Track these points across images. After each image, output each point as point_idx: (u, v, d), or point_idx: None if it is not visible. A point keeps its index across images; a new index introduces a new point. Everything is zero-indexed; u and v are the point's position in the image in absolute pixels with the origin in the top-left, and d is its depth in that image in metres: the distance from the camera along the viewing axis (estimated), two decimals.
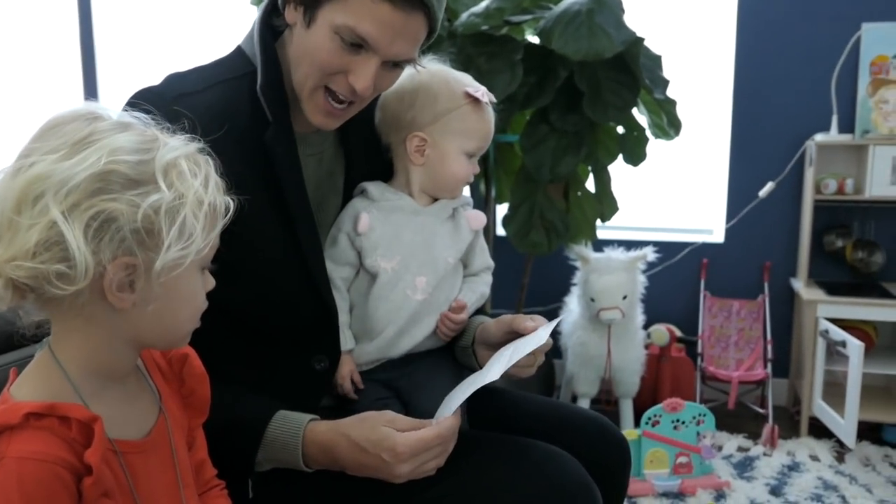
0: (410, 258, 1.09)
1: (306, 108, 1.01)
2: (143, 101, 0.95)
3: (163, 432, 0.78)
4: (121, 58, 3.39)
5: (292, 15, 0.98)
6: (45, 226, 0.64)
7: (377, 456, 0.91)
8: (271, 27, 1.04)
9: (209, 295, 0.78)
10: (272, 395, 1.01)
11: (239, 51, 1.07)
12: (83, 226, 0.64)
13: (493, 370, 0.95)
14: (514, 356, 0.96)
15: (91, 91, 3.37)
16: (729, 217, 2.76)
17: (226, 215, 0.74)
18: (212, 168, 0.74)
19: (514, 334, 1.04)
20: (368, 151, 1.15)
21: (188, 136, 0.76)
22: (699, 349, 2.62)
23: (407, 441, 0.90)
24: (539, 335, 0.98)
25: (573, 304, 2.55)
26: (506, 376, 1.01)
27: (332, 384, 1.08)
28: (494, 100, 1.14)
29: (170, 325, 0.73)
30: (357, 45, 0.95)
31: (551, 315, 2.72)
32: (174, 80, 1.02)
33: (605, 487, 1.03)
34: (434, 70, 1.13)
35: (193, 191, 0.69)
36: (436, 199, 1.14)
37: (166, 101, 0.95)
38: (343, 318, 1.08)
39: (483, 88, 1.12)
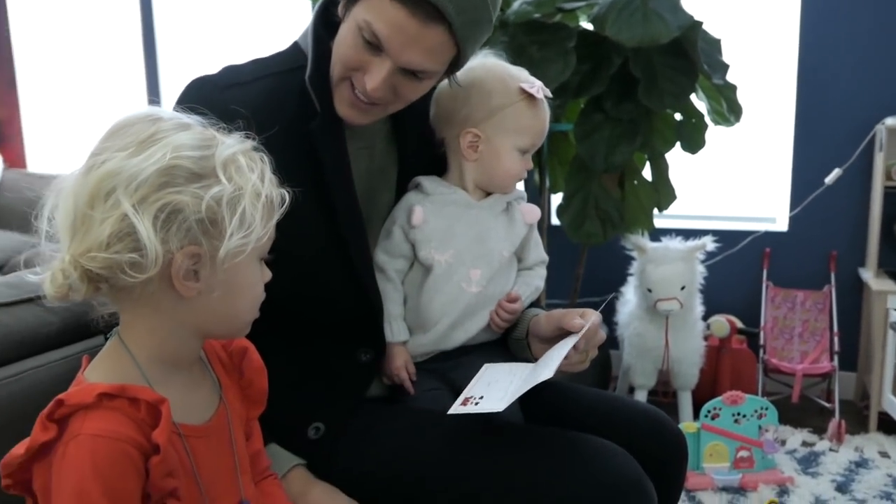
0: (465, 251, 1.09)
1: (335, 99, 1.02)
2: (197, 88, 0.99)
3: (222, 420, 0.81)
4: (181, 53, 3.48)
5: (340, 9, 0.99)
6: (117, 218, 0.68)
7: None
8: (327, 22, 1.05)
9: None
10: (318, 387, 1.03)
11: (295, 45, 1.08)
12: (152, 217, 0.69)
13: (547, 367, 0.94)
14: (564, 352, 0.95)
15: (153, 85, 3.47)
16: (793, 205, 2.67)
17: (281, 206, 0.78)
18: (266, 164, 0.78)
19: (564, 329, 1.02)
20: (422, 146, 1.16)
21: (243, 133, 0.79)
22: (761, 341, 2.54)
23: None
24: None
25: (629, 295, 2.51)
26: (560, 371, 1.00)
27: (381, 375, 1.09)
28: (550, 95, 1.12)
29: (231, 314, 0.77)
30: (374, 45, 0.95)
31: (608, 307, 2.68)
32: (230, 70, 1.04)
33: (660, 482, 1.01)
34: (490, 65, 1.12)
35: (251, 184, 0.73)
36: (489, 194, 1.14)
37: (218, 89, 0.98)
38: (397, 309, 1.09)
39: (539, 83, 1.11)
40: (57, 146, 3.82)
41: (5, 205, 3.46)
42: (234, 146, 0.75)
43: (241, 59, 1.08)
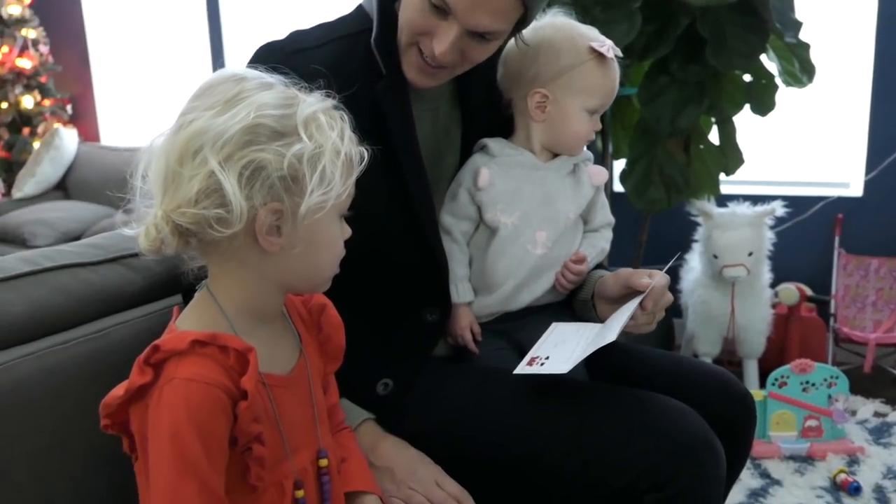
0: (531, 213, 1.09)
1: (403, 64, 1.03)
2: (265, 54, 1.01)
3: (303, 372, 0.84)
4: (245, 24, 3.53)
5: None
6: (204, 175, 0.71)
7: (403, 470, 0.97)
8: None
9: None
10: (386, 345, 1.05)
11: (359, 8, 1.09)
12: (237, 174, 0.71)
13: (612, 330, 0.94)
14: (629, 313, 0.95)
15: (217, 56, 3.54)
16: (869, 169, 2.57)
17: (360, 164, 0.80)
18: (346, 122, 0.79)
19: (631, 289, 1.02)
20: (487, 107, 1.15)
21: (324, 92, 0.81)
22: (832, 309, 2.47)
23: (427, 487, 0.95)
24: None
25: (694, 262, 2.47)
26: (625, 333, 1.00)
27: (447, 335, 1.11)
28: (620, 54, 1.11)
29: (312, 268, 0.80)
30: (441, 9, 0.95)
31: (672, 274, 2.63)
32: (296, 35, 1.06)
33: (728, 444, 1.00)
34: (559, 24, 1.11)
35: (331, 142, 0.75)
36: (556, 155, 1.13)
37: (286, 55, 1.00)
38: (462, 271, 1.10)
39: (609, 43, 1.09)
40: (128, 120, 3.95)
41: (81, 177, 3.60)
42: (314, 105, 0.76)
43: (306, 25, 1.10)
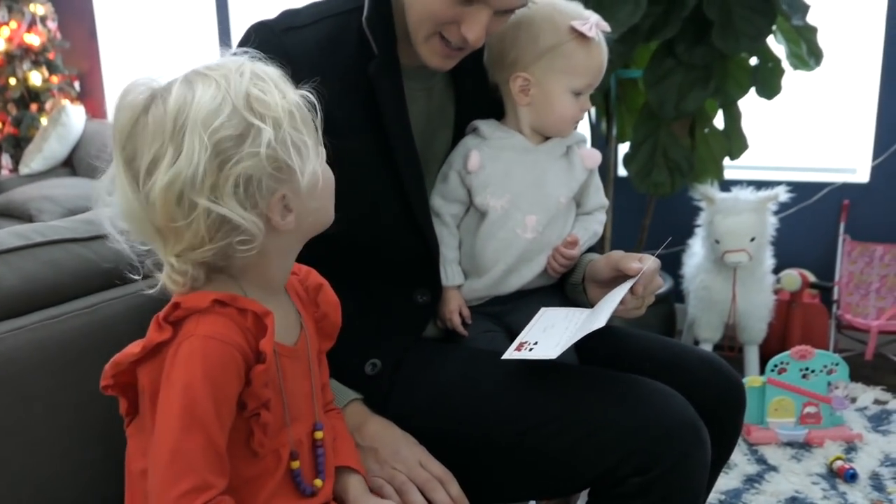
0: (521, 197, 1.08)
1: (422, 53, 1.02)
2: (255, 32, 1.01)
3: (304, 346, 0.85)
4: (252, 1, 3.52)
5: None
6: (203, 216, 0.70)
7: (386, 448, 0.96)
8: None
9: None
10: (375, 326, 1.05)
11: None
12: (233, 196, 0.71)
13: (601, 316, 0.94)
14: (619, 298, 0.94)
15: (224, 31, 3.53)
16: (876, 155, 2.54)
17: (311, 107, 0.78)
18: (270, 70, 0.76)
19: (622, 273, 1.01)
20: (480, 87, 1.15)
21: (237, 50, 0.79)
22: (835, 296, 2.46)
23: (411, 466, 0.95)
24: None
25: (696, 247, 2.46)
26: (621, 318, 0.99)
27: (438, 316, 1.11)
28: (608, 29, 1.08)
29: (323, 212, 0.82)
30: None
31: (674, 258, 2.63)
32: (288, 14, 1.06)
33: (716, 430, 1.00)
34: (542, 3, 1.08)
35: (280, 107, 0.73)
36: (548, 138, 1.12)
37: (276, 34, 1.00)
38: (451, 254, 1.10)
39: (593, 19, 1.07)
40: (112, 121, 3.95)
41: (88, 154, 3.61)
42: (240, 82, 0.73)
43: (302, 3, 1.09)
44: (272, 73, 0.77)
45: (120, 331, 0.97)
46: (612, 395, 0.95)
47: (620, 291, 0.98)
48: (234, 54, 0.78)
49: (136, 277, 0.81)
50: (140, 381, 0.75)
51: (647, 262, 1.00)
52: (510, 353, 0.96)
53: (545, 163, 1.10)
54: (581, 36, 1.05)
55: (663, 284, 1.02)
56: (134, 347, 0.74)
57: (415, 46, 1.02)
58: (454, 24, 0.97)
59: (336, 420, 0.94)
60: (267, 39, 0.99)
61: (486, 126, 1.10)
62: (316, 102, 0.79)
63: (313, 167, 0.75)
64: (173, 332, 0.72)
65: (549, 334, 0.99)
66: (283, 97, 0.75)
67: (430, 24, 0.98)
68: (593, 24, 1.06)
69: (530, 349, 0.96)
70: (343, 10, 1.05)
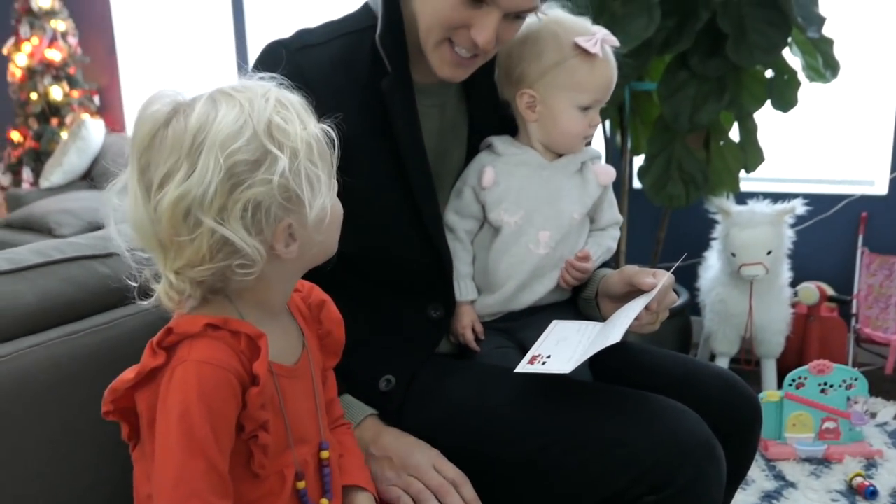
0: (534, 212, 1.08)
1: (433, 62, 1.02)
2: (271, 51, 1.02)
3: (306, 364, 0.85)
4: (268, 14, 3.55)
5: None
6: (207, 234, 0.70)
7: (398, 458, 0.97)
8: None
9: None
10: (389, 342, 1.05)
11: (365, 6, 1.10)
12: (238, 220, 0.70)
13: (616, 331, 0.94)
14: (634, 313, 0.94)
15: (241, 47, 3.56)
16: (894, 167, 2.52)
17: (331, 141, 0.78)
18: (294, 99, 0.77)
19: (635, 288, 1.01)
20: (493, 103, 1.15)
21: (265, 75, 0.78)
22: (853, 309, 2.43)
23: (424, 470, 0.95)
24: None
25: (712, 260, 2.44)
26: (635, 333, 0.99)
27: (451, 332, 1.11)
28: (616, 44, 1.08)
29: (328, 244, 0.81)
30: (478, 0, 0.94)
31: (690, 271, 2.62)
32: (302, 33, 1.07)
33: (733, 446, 1.00)
34: (547, 19, 1.08)
35: (299, 138, 0.73)
36: (562, 154, 1.12)
37: (290, 52, 1.01)
38: (465, 269, 1.10)
39: (599, 35, 1.06)
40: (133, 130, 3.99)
41: (107, 168, 3.65)
42: (264, 108, 0.73)
43: (326, 13, 1.10)
44: (296, 103, 0.77)
45: (137, 347, 0.96)
46: (626, 412, 0.94)
47: (636, 306, 0.98)
48: (262, 78, 0.78)
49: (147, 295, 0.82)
50: (138, 407, 0.75)
51: (662, 278, 0.99)
52: (523, 367, 0.96)
53: (559, 179, 1.10)
54: (585, 52, 1.05)
55: (677, 300, 1.02)
56: (129, 374, 0.74)
57: (426, 56, 1.02)
58: (464, 28, 0.98)
59: (344, 436, 0.94)
60: (282, 57, 1.00)
61: (500, 142, 1.11)
62: (335, 138, 0.79)
63: (323, 201, 0.75)
64: (167, 357, 0.72)
65: (562, 347, 0.99)
66: (303, 128, 0.75)
67: (440, 29, 0.99)
68: (599, 39, 1.05)
69: (543, 362, 0.96)
70: (357, 29, 1.06)
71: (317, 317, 0.89)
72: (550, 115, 1.08)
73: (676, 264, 1.09)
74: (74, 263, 1.02)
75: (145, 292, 0.78)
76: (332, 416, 0.93)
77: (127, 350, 1.00)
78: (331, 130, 0.78)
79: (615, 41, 1.07)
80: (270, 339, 0.76)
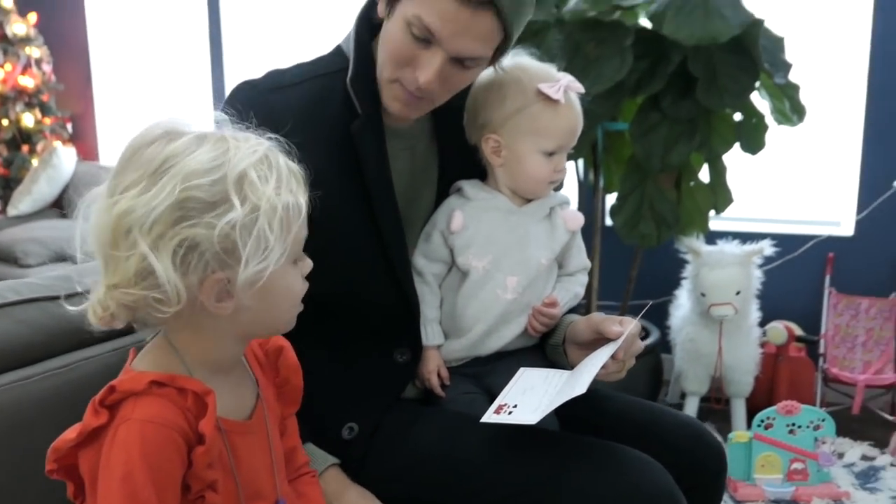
0: (502, 257, 1.08)
1: (385, 98, 1.03)
2: (240, 92, 1.02)
3: (261, 418, 0.83)
4: (245, 49, 3.56)
5: (382, 8, 1.00)
6: (138, 258, 0.69)
7: None
8: (369, 25, 1.06)
9: None
10: (354, 386, 1.04)
11: (338, 49, 1.10)
12: (170, 254, 0.69)
13: (581, 381, 0.93)
14: (600, 362, 0.94)
15: (218, 81, 3.56)
16: (860, 209, 2.57)
17: (300, 214, 0.76)
18: (283, 164, 0.76)
19: (602, 335, 1.01)
20: (463, 147, 1.16)
21: (261, 132, 0.78)
22: (821, 349, 2.46)
23: None
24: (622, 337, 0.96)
25: (683, 299, 2.46)
26: (601, 380, 0.99)
27: (418, 376, 1.10)
28: (581, 90, 1.08)
29: (271, 318, 0.78)
30: (425, 39, 0.95)
31: (660, 309, 2.63)
32: (273, 74, 1.07)
33: (697, 497, 1.00)
34: (511, 66, 1.08)
35: (266, 198, 0.72)
36: (530, 199, 1.12)
37: (261, 93, 1.01)
38: (432, 313, 1.10)
39: (564, 81, 1.06)
40: (128, 140, 3.96)
41: (78, 197, 3.61)
42: (245, 159, 0.72)
43: (303, 45, 1.10)
44: (283, 167, 0.75)
45: (96, 391, 0.96)
46: (591, 463, 0.94)
47: (602, 355, 0.98)
48: (270, 138, 0.78)
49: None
50: (81, 468, 0.73)
51: (628, 326, 1.00)
52: (489, 417, 0.95)
53: (527, 224, 1.10)
54: (547, 98, 1.06)
55: (643, 347, 1.02)
56: (71, 433, 0.73)
57: (381, 92, 1.03)
58: (411, 67, 0.98)
59: (308, 486, 0.92)
60: (252, 98, 1.00)
61: (469, 187, 1.11)
62: (306, 217, 0.77)
63: (263, 267, 0.71)
64: (109, 416, 0.71)
65: (529, 397, 0.98)
66: (276, 192, 0.73)
67: (392, 65, 0.99)
68: (563, 86, 1.06)
69: (509, 412, 0.95)
70: (328, 71, 1.06)
71: (274, 364, 0.88)
72: (515, 160, 1.09)
73: (641, 312, 1.10)
74: (32, 305, 1.00)
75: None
76: (294, 465, 0.91)
77: (86, 394, 0.96)
78: (303, 205, 0.76)
79: (580, 88, 1.08)
80: (221, 394, 0.75)
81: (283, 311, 0.79)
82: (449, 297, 1.10)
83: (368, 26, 1.06)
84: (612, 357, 0.98)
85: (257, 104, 0.97)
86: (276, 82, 1.05)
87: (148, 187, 0.70)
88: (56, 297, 1.03)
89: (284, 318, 0.80)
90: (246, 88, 1.04)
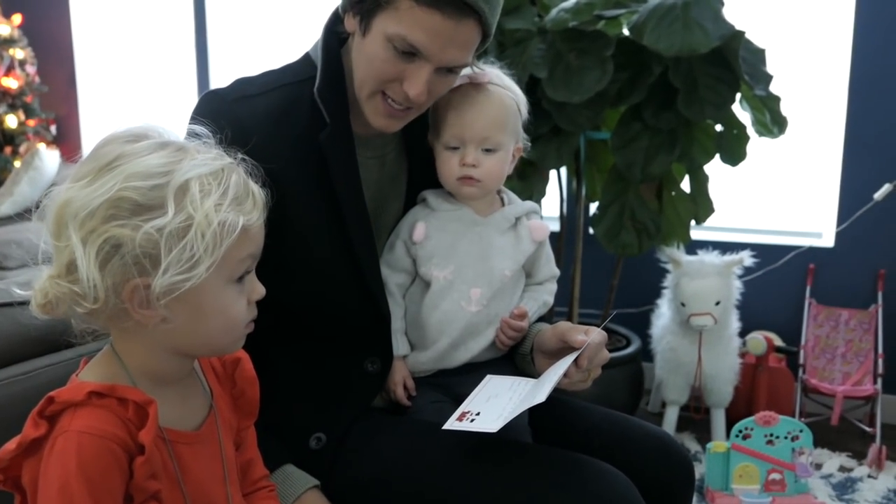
0: (465, 268, 1.07)
1: (367, 112, 1.03)
2: (207, 101, 1.01)
3: (213, 429, 0.82)
4: (231, 50, 3.55)
5: (351, 23, 1.00)
6: (70, 250, 0.69)
7: None
8: (337, 34, 1.06)
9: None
10: (323, 396, 1.03)
11: (306, 57, 1.09)
12: (96, 251, 0.68)
13: (542, 389, 0.93)
14: (562, 370, 0.93)
15: (203, 83, 3.55)
16: (840, 220, 2.58)
17: (232, 233, 0.73)
18: (240, 183, 0.75)
19: (568, 344, 1.01)
20: (432, 157, 1.15)
21: (226, 147, 0.77)
22: (801, 360, 2.46)
23: None
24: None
25: (665, 307, 2.46)
26: (574, 389, 0.98)
27: (386, 387, 1.09)
28: (484, 80, 1.07)
29: (202, 338, 0.76)
30: (410, 53, 0.95)
31: (642, 318, 2.63)
32: (241, 83, 1.06)
33: None
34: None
35: (203, 212, 0.70)
36: (498, 209, 1.11)
37: (227, 103, 1.00)
38: (397, 324, 1.09)
39: (486, 77, 1.07)
40: None
41: None
42: (195, 170, 0.71)
43: (287, 46, 1.09)
44: (237, 188, 0.74)
45: None
46: (557, 475, 0.93)
47: (564, 364, 0.98)
48: (243, 159, 0.78)
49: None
50: (23, 479, 0.72)
51: (592, 335, 0.99)
52: (451, 423, 0.94)
53: (491, 235, 1.10)
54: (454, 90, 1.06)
55: (609, 357, 1.02)
56: (11, 444, 0.72)
57: (360, 107, 1.02)
58: (396, 81, 0.98)
59: (264, 501, 0.91)
60: (218, 108, 0.99)
61: (434, 196, 1.11)
62: (259, 239, 0.77)
63: (183, 279, 0.69)
64: (49, 427, 0.70)
65: (493, 405, 0.98)
66: (216, 210, 0.71)
67: (374, 82, 0.99)
68: (481, 80, 1.07)
69: (472, 420, 0.94)
70: (296, 80, 1.06)
71: (231, 375, 0.87)
72: (437, 160, 1.10)
73: (604, 323, 1.09)
74: None
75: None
76: (251, 478, 0.90)
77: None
78: (238, 223, 0.73)
79: (483, 78, 1.07)
80: (167, 404, 0.74)
81: (217, 331, 0.76)
82: (413, 308, 1.10)
83: (336, 38, 1.05)
84: (576, 366, 0.97)
85: (223, 114, 0.96)
86: (243, 92, 1.04)
87: (93, 181, 0.70)
88: (21, 303, 1.02)
89: (222, 340, 0.77)
90: (212, 98, 1.03)
